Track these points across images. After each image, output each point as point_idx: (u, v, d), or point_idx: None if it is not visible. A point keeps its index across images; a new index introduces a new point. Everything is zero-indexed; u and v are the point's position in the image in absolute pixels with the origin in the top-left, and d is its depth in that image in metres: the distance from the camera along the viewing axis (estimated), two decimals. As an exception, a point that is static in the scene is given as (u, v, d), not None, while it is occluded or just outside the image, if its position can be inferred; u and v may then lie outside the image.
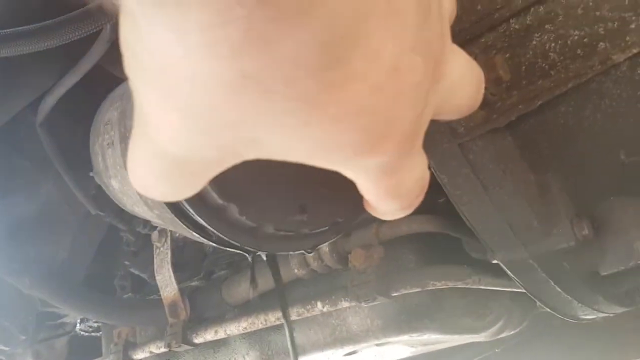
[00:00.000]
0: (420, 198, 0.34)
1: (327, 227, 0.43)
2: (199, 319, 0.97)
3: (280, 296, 0.47)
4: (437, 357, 1.47)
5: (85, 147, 0.79)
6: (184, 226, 0.54)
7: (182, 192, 0.30)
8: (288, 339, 0.47)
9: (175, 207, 0.56)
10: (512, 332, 1.09)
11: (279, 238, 0.42)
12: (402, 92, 0.25)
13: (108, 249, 1.15)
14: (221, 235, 0.41)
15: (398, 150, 0.28)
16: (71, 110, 0.94)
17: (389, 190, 0.31)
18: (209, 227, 0.40)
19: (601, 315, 0.88)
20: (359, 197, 0.33)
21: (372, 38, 0.22)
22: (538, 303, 0.86)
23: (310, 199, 0.41)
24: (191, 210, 0.41)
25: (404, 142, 0.28)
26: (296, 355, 0.60)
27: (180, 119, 0.24)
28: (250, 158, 0.27)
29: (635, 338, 1.51)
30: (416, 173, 0.32)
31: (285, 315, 0.47)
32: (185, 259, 1.02)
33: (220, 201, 0.37)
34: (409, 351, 1.15)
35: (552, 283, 0.75)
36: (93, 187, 0.97)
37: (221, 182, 0.30)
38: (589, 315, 0.86)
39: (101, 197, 0.95)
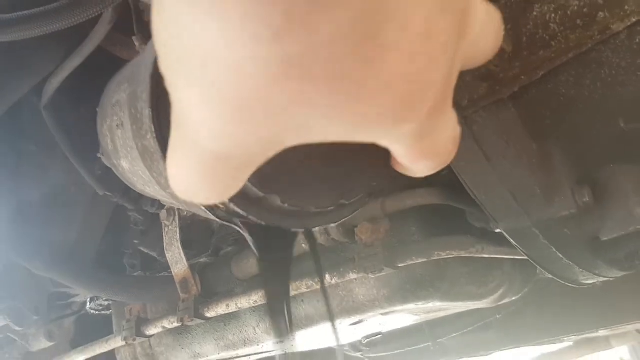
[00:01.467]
0: (454, 153, 0.34)
1: (363, 194, 0.44)
2: (210, 294, 0.99)
3: (317, 268, 0.48)
4: (439, 324, 1.50)
5: (90, 129, 0.79)
6: (201, 207, 0.55)
7: (226, 191, 0.30)
8: (325, 303, 0.48)
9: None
10: (513, 299, 1.11)
11: (320, 214, 0.42)
12: (435, 55, 0.25)
13: (117, 229, 1.16)
14: (258, 221, 0.41)
15: (432, 114, 0.28)
16: (75, 92, 0.95)
17: (424, 152, 0.31)
18: (251, 217, 0.40)
19: (602, 279, 0.90)
20: (388, 158, 0.33)
21: (402, 7, 0.22)
22: (539, 269, 0.89)
23: (344, 171, 0.41)
24: (229, 203, 0.41)
25: (438, 105, 0.28)
26: (333, 317, 0.61)
27: (224, 111, 0.24)
28: (292, 145, 0.27)
29: (630, 302, 1.54)
30: (449, 131, 0.32)
31: (323, 284, 0.48)
32: (193, 236, 1.04)
33: (261, 194, 0.37)
34: (413, 319, 1.18)
35: (554, 249, 0.77)
36: (99, 168, 0.98)
37: (259, 173, 0.31)
38: (590, 280, 0.88)
39: (108, 178, 0.97)
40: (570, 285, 0.89)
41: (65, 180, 1.06)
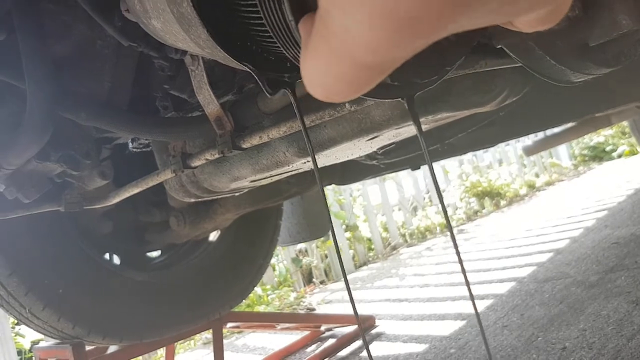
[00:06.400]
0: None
1: (463, 56, 0.45)
2: (242, 128, 1.06)
3: (415, 120, 0.50)
4: (446, 128, 1.61)
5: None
6: (243, 65, 0.62)
7: (366, 89, 0.31)
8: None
9: (230, 49, 0.63)
10: (514, 99, 1.20)
11: (425, 83, 0.44)
12: None
13: (144, 76, 1.23)
14: (371, 98, 0.43)
15: None
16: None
17: (551, 18, 0.34)
18: (366, 97, 0.42)
19: (592, 76, 0.99)
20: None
21: None
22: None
23: (447, 43, 0.42)
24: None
25: None
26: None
27: (392, 30, 0.25)
28: None
29: (625, 86, 1.64)
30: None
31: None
32: (217, 77, 1.09)
33: None
34: (423, 128, 1.29)
35: (548, 58, 0.84)
36: (118, 20, 1.01)
37: None
38: (581, 79, 0.96)
39: (128, 28, 1.00)
40: (564, 85, 0.98)
41: (89, 35, 1.10)
